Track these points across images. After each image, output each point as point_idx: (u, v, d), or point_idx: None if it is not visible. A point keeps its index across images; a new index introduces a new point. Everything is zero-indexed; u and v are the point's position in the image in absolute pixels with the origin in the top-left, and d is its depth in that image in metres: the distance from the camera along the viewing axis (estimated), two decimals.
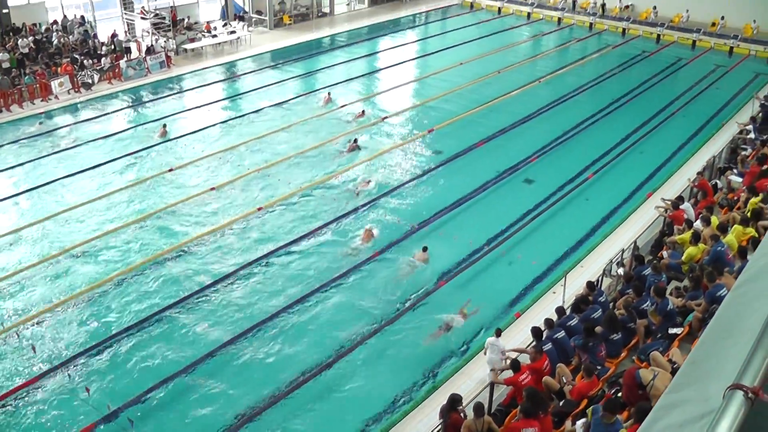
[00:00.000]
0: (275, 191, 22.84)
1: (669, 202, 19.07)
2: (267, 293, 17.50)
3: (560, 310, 14.75)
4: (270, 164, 24.77)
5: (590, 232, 20.99)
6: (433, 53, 39.78)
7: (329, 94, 31.24)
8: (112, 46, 34.77)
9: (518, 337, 15.77)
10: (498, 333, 14.79)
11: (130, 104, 30.96)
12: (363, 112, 29.66)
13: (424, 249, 19.12)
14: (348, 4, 49.15)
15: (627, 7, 48.21)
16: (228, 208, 21.89)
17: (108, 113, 29.71)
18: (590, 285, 15.25)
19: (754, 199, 17.26)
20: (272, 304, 17.09)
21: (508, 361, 13.54)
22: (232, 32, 39.90)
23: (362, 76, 35.14)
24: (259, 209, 21.64)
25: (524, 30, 45.76)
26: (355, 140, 26.28)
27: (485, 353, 14.57)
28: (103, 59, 33.36)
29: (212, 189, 22.88)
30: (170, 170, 24.22)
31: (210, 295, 17.43)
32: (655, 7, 46.27)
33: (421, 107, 30.86)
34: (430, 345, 15.95)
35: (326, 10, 47.38)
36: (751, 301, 4.03)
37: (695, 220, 17.49)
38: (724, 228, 16.08)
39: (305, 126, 28.30)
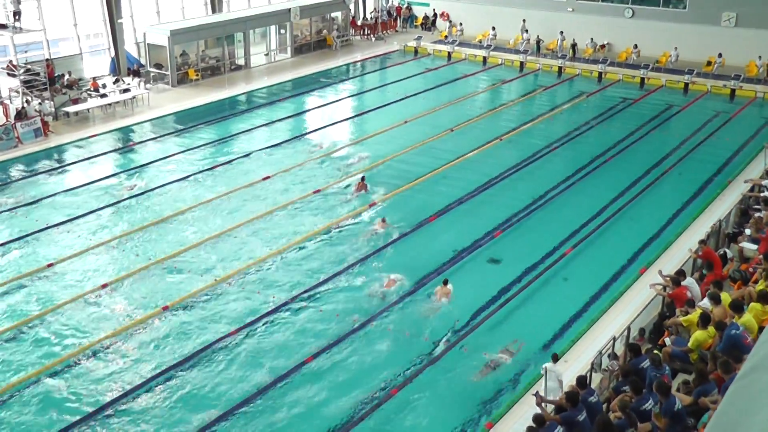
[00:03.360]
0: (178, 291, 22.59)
1: (668, 279, 19.37)
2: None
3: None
4: (175, 253, 24.49)
5: (572, 319, 21.20)
6: (371, 110, 40.63)
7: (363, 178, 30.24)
8: None
9: None
10: (555, 358, 16.96)
11: None
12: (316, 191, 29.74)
13: (445, 282, 22.13)
14: (267, 54, 50.09)
15: (603, 46, 50.34)
16: (117, 312, 21.42)
17: None
18: (581, 381, 15.21)
19: None
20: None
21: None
22: (126, 90, 39.93)
23: (286, 141, 35.44)
24: (165, 308, 21.25)
25: (480, 78, 47.29)
26: None
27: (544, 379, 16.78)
28: None
29: (103, 286, 22.38)
30: (49, 265, 23.64)
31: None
32: (636, 46, 48.16)
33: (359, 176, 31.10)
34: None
35: (241, 62, 48.16)
36: (760, 393, 3.95)
37: (701, 299, 17.78)
38: (738, 307, 16.23)
39: (223, 204, 28.34)
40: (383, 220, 26.48)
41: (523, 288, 22.66)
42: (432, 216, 27.44)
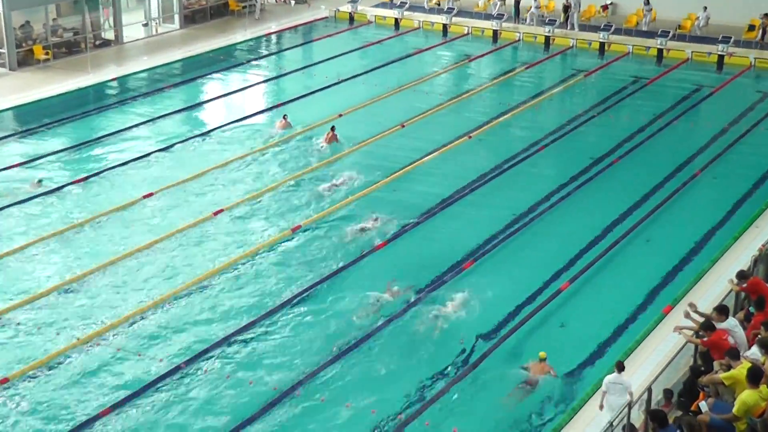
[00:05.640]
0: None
1: (700, 319, 19.33)
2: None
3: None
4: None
5: (572, 379, 21.14)
6: (291, 101, 40.29)
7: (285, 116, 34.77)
8: None
9: None
10: (620, 368, 18.24)
11: None
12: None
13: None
14: (145, 25, 49.68)
15: (605, 7, 50.98)
16: None
17: None
18: None
19: None
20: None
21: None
22: None
23: (175, 144, 35.01)
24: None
25: (440, 54, 47.57)
26: None
27: (603, 399, 18.24)
28: None
29: None
30: None
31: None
32: (648, 2, 48.59)
33: (274, 193, 30.87)
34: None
35: (109, 35, 47.71)
36: None
37: (749, 347, 17.86)
38: None
39: (82, 235, 27.93)
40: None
41: (501, 339, 22.55)
42: (379, 245, 27.32)
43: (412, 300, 24.22)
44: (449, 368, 21.59)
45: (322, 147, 34.19)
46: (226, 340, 22.38)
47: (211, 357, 21.77)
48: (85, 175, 32.03)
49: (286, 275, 25.53)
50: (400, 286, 24.66)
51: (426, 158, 33.53)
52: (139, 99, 40.55)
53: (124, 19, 47.81)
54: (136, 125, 37.19)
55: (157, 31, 50.23)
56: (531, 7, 50.68)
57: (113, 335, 22.63)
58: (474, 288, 24.47)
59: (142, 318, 23.39)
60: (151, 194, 30.28)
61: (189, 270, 25.86)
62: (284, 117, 36.35)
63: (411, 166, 32.81)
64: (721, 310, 19.28)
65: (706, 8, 47.18)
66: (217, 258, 26.51)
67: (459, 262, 26.23)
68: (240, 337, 22.62)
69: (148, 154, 33.93)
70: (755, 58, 43.43)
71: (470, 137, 35.71)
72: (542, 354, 21.14)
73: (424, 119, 37.70)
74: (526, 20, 50.61)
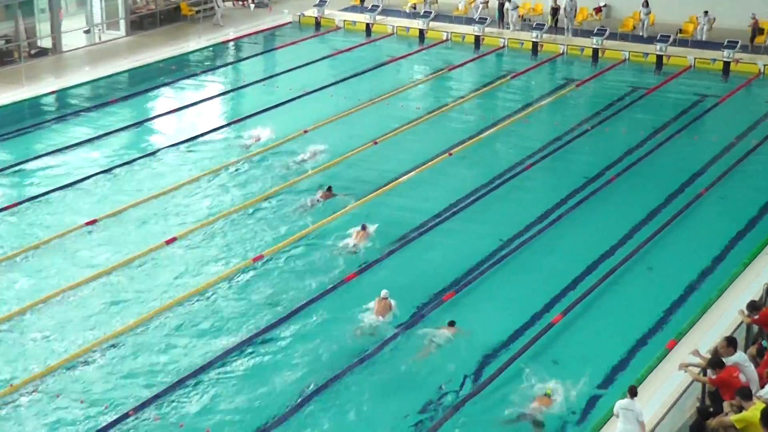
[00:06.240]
0: None
1: (707, 356, 19.26)
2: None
3: None
4: None
5: (567, 418, 21.00)
6: (251, 116, 40.18)
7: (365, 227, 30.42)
8: None
9: None
10: (632, 393, 18.56)
11: None
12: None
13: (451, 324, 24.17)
14: (87, 32, 49.46)
15: (598, 9, 51.10)
16: None
17: None
18: None
19: None
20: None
21: None
22: None
23: (122, 165, 34.74)
24: None
25: (417, 62, 47.64)
26: None
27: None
28: None
29: None
30: None
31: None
32: (646, 4, 48.74)
33: (230, 220, 30.61)
34: None
35: (46, 42, 47.43)
36: None
37: (762, 386, 17.68)
38: None
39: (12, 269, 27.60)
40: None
41: (488, 381, 22.31)
42: (350, 275, 27.14)
43: (390, 335, 24.09)
44: (443, 400, 21.76)
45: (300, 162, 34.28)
46: (181, 383, 22.00)
47: (163, 403, 21.33)
48: (20, 200, 31.64)
49: (242, 311, 25.39)
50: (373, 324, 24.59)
51: (402, 179, 33.41)
52: (81, 114, 40.32)
53: (63, 25, 47.56)
54: (77, 144, 36.86)
55: (100, 38, 50.08)
56: (507, 9, 50.91)
57: (52, 381, 22.14)
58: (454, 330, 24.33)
59: (84, 362, 22.93)
60: (94, 221, 29.95)
61: (137, 306, 25.45)
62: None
63: (385, 187, 32.67)
64: (730, 342, 19.23)
65: (707, 12, 47.32)
66: (170, 292, 26.17)
67: (439, 293, 26.05)
68: (196, 380, 22.26)
69: (91, 176, 33.55)
70: (764, 65, 43.52)
71: (451, 154, 35.67)
72: (549, 390, 21.42)
73: (399, 135, 37.69)
74: (509, 26, 50.63)
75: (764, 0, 46.92)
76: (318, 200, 31.57)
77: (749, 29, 45.69)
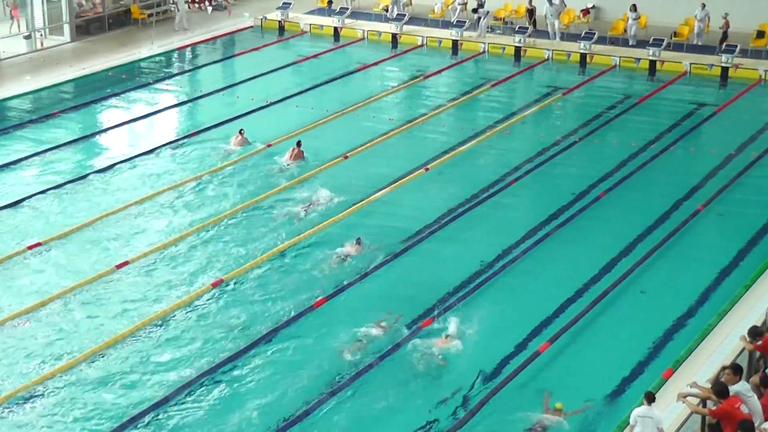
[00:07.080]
0: None
1: (707, 386, 19.28)
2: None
3: None
4: None
5: None
6: (211, 128, 40.21)
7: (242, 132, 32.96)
8: None
9: None
10: (650, 399, 18.90)
11: None
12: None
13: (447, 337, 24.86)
14: (27, 37, 49.33)
15: (585, 12, 51.39)
16: None
17: None
18: None
19: None
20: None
21: None
22: None
23: (67, 183, 34.64)
24: None
25: (389, 69, 47.82)
26: None
27: None
28: None
29: None
30: None
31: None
32: (634, 8, 48.70)
33: (187, 241, 30.62)
34: None
35: None
36: None
37: (767, 418, 17.78)
38: None
39: None
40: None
41: (470, 414, 22.28)
42: (318, 301, 27.13)
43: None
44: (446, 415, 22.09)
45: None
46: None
47: None
48: None
49: (205, 340, 25.30)
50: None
51: (373, 196, 33.45)
52: (21, 128, 40.31)
53: (0, 30, 47.35)
54: (17, 160, 36.78)
55: (42, 44, 49.95)
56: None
57: None
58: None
59: (26, 400, 22.56)
60: (37, 244, 29.83)
61: (86, 337, 25.20)
62: (240, 132, 37.06)
63: (355, 206, 32.65)
64: (736, 370, 19.33)
65: (704, 5, 47.30)
66: (121, 321, 26.00)
67: (417, 319, 26.04)
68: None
69: (33, 195, 33.43)
70: (765, 71, 43.82)
71: (427, 170, 35.83)
72: (559, 405, 21.88)
73: (371, 149, 37.83)
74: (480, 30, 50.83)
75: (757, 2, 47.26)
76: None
77: (720, 30, 46.07)
